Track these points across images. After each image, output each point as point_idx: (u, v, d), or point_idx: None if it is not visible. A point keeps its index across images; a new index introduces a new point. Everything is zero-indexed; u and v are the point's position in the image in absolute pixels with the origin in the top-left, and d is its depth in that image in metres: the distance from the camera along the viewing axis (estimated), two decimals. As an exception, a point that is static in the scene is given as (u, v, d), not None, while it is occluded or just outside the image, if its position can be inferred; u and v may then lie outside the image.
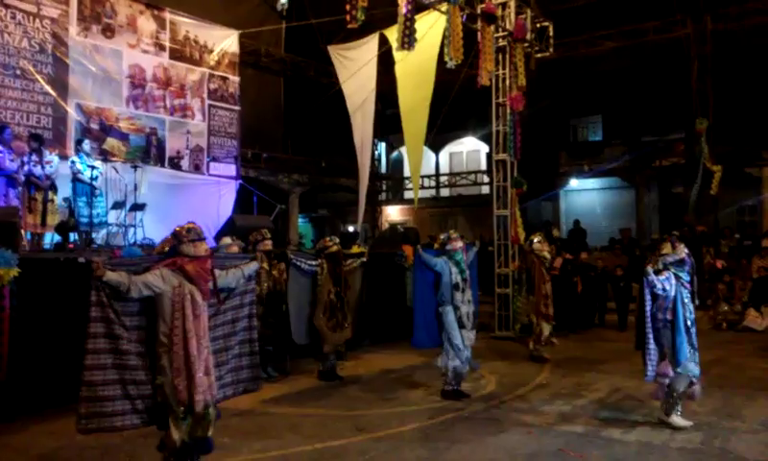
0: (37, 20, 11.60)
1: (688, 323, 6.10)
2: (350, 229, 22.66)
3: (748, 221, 19.73)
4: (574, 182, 24.16)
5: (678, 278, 6.09)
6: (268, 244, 8.09)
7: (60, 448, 5.67)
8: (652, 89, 20.54)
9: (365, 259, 9.06)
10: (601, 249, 17.44)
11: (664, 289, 6.01)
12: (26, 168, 9.17)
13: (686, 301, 6.12)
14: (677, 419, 6.16)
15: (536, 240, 9.83)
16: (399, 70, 12.69)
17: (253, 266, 5.19)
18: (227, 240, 8.02)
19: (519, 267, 11.35)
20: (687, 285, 6.15)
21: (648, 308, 6.08)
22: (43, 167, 9.39)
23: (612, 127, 24.28)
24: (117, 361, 4.44)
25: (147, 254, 5.50)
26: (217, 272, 4.79)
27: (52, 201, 9.56)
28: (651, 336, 6.07)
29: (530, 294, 9.85)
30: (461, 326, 7.21)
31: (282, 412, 6.86)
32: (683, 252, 6.19)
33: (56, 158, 9.72)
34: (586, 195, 24.66)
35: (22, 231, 8.58)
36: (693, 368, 6.12)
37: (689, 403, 6.36)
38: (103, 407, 4.39)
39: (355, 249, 10.02)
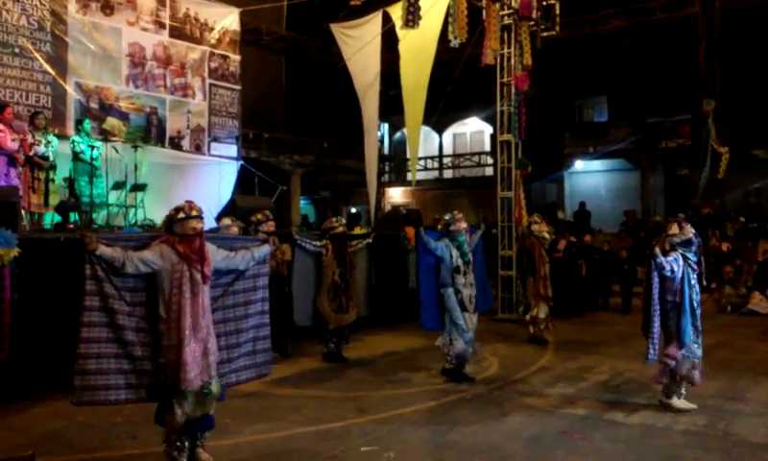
0: (36, -3, 11.46)
1: (694, 304, 6.08)
2: (353, 210, 22.56)
3: (754, 203, 19.61)
4: (579, 164, 24.02)
5: (685, 258, 6.06)
6: (271, 225, 8.02)
7: (63, 429, 5.67)
8: (658, 69, 20.34)
9: (370, 241, 9.01)
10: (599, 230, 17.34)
11: (672, 271, 5.97)
12: (35, 149, 9.11)
13: (693, 282, 6.09)
14: (678, 401, 6.14)
15: (534, 221, 9.79)
16: (402, 48, 12.55)
17: (265, 249, 5.08)
18: (226, 221, 7.95)
19: (518, 250, 11.28)
20: (695, 266, 6.12)
21: (656, 291, 6.02)
22: (46, 147, 9.34)
23: (618, 107, 24.07)
24: (112, 335, 4.43)
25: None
26: (223, 253, 4.76)
27: (53, 180, 9.50)
28: (657, 319, 6.03)
29: (530, 275, 9.80)
30: (463, 308, 7.16)
31: (285, 393, 6.84)
32: (689, 232, 6.16)
33: (54, 138, 9.64)
34: (590, 177, 24.51)
35: (22, 211, 8.52)
36: (696, 350, 6.09)
37: (693, 387, 6.30)
38: (97, 380, 4.40)
39: (358, 230, 9.96)
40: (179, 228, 4.53)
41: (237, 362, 4.92)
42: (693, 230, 6.21)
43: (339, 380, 7.46)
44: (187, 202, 4.64)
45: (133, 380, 4.51)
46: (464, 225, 7.31)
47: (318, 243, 8.13)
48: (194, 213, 4.56)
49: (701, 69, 17.52)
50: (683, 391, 6.19)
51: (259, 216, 8.09)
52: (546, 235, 9.79)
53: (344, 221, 8.53)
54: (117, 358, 4.45)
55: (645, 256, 6.43)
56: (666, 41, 19.14)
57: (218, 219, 9.10)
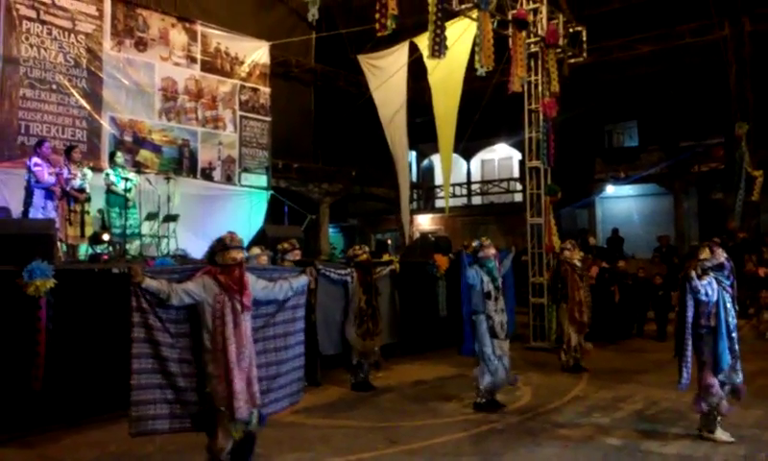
0: (72, 35, 11.82)
1: (731, 328, 5.96)
2: (388, 241, 22.60)
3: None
4: (610, 189, 23.71)
5: (719, 282, 5.95)
6: (297, 254, 8.08)
7: (96, 459, 5.72)
8: (689, 93, 20.12)
9: (393, 267, 9.02)
10: (632, 256, 17.04)
11: (707, 294, 5.86)
12: (71, 182, 9.35)
13: (729, 306, 5.98)
14: (720, 434, 5.97)
15: (566, 248, 9.71)
16: (433, 79, 12.67)
17: (303, 280, 5.16)
18: (255, 250, 8.03)
19: (552, 276, 11.15)
20: (729, 290, 6.01)
21: (690, 314, 5.90)
22: (82, 180, 9.58)
23: (649, 132, 23.81)
24: (158, 366, 4.53)
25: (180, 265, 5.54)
26: (263, 283, 4.84)
27: (88, 212, 9.72)
28: (689, 343, 5.91)
29: (563, 302, 9.68)
30: (493, 335, 7.12)
31: (314, 423, 6.82)
32: (721, 256, 6.08)
33: (89, 171, 9.87)
34: (622, 202, 24.17)
35: (59, 243, 8.71)
36: (734, 376, 5.96)
37: (731, 416, 6.15)
38: (146, 410, 4.50)
39: (386, 257, 9.97)
40: (220, 258, 4.63)
41: (277, 393, 4.99)
42: (725, 254, 6.11)
43: (368, 410, 7.41)
44: (229, 233, 4.75)
45: (178, 410, 4.59)
46: (492, 251, 7.31)
47: (342, 271, 8.16)
48: (234, 244, 4.67)
49: (732, 92, 17.30)
50: (718, 420, 6.02)
51: (285, 245, 8.16)
52: (578, 262, 9.68)
53: (367, 248, 8.57)
54: (162, 389, 4.54)
55: (678, 281, 6.32)
56: (697, 65, 18.96)
57: (248, 248, 9.18)
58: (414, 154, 28.24)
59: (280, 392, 5.00)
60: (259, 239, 10.26)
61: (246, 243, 10.22)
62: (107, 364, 6.46)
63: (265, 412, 4.80)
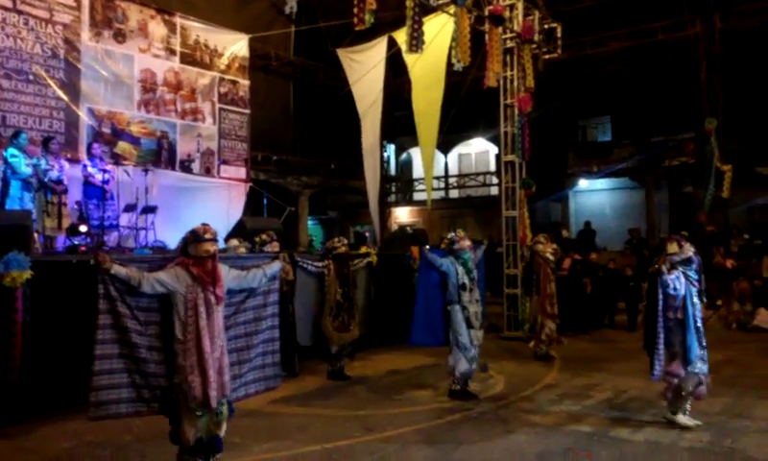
0: (50, 26, 11.72)
1: (698, 321, 6.14)
2: (366, 233, 22.73)
3: (758, 221, 19.52)
4: (583, 183, 24.10)
5: (686, 276, 6.13)
6: (275, 245, 8.13)
7: (73, 449, 5.74)
8: (661, 89, 20.48)
9: (370, 259, 9.13)
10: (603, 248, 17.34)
11: (675, 288, 6.04)
12: (49, 173, 9.33)
13: (695, 300, 6.16)
14: (683, 418, 6.19)
15: (539, 241, 9.90)
16: (413, 74, 12.76)
17: (276, 266, 5.21)
18: (234, 242, 8.10)
19: (525, 268, 11.37)
20: (696, 284, 6.19)
21: (660, 308, 6.09)
22: (60, 171, 9.55)
23: (621, 127, 24.20)
24: (125, 351, 4.54)
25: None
26: (235, 272, 4.86)
27: (65, 204, 9.69)
28: (661, 336, 6.09)
29: (535, 293, 9.91)
30: (469, 325, 7.25)
31: (291, 412, 6.90)
32: (689, 250, 6.24)
33: (66, 163, 9.84)
34: (595, 195, 24.58)
35: (35, 235, 8.69)
36: (702, 366, 6.15)
37: (699, 403, 6.36)
38: (109, 395, 4.50)
39: (363, 249, 10.08)
40: (192, 250, 4.63)
41: (246, 376, 5.03)
42: (693, 249, 6.29)
43: (345, 399, 7.52)
44: (203, 224, 4.72)
45: (146, 394, 4.61)
46: (467, 243, 7.44)
47: (319, 264, 8.23)
48: (207, 236, 4.64)
49: (703, 88, 17.67)
50: (687, 407, 6.23)
51: (264, 236, 8.21)
52: (550, 256, 9.87)
53: (346, 241, 8.65)
54: (130, 373, 4.55)
55: (647, 274, 6.50)
56: (668, 61, 19.32)
57: (226, 240, 9.24)
58: (392, 147, 28.37)
59: (250, 375, 5.04)
60: (238, 231, 10.31)
61: (225, 235, 10.35)
62: (83, 355, 6.47)
63: (234, 396, 4.85)
